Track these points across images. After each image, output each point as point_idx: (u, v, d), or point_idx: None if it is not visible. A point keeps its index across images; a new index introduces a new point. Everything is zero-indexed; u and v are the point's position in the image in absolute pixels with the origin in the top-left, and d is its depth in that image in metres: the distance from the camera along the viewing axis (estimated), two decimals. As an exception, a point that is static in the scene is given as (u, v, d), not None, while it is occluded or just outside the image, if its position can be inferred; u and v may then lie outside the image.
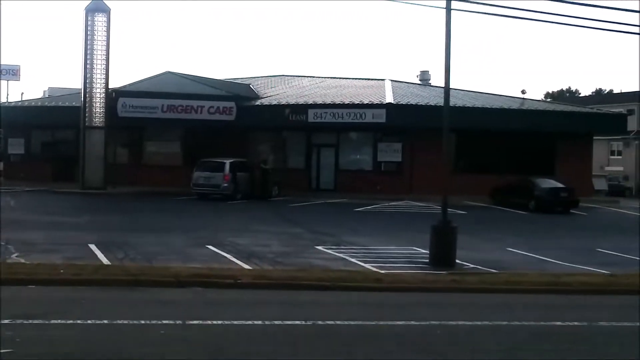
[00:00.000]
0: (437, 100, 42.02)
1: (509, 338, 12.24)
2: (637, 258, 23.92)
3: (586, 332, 13.04)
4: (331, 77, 59.80)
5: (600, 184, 58.98)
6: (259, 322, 12.33)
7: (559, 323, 13.62)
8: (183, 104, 45.43)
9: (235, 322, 12.30)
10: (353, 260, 20.74)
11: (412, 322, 13.09)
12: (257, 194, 40.84)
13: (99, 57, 43.64)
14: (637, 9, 21.02)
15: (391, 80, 55.25)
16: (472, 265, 20.51)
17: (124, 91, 46.79)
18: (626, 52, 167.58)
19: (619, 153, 74.14)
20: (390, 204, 39.87)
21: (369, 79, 57.71)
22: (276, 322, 12.43)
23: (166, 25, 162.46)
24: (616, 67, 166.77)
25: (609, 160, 73.79)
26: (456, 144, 43.19)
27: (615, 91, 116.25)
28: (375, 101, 45.27)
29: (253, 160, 44.12)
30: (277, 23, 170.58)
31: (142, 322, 11.96)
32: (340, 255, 21.63)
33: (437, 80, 65.80)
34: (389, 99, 45.78)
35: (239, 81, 57.77)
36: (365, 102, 45.16)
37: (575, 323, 13.64)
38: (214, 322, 12.23)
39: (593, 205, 44.48)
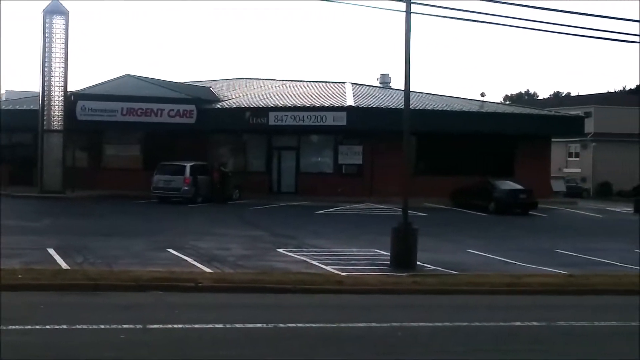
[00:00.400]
0: (398, 103, 42.22)
1: (470, 339, 12.32)
2: (595, 258, 24.24)
3: (545, 332, 13.16)
4: (292, 80, 59.78)
5: (558, 186, 59.60)
6: (220, 326, 12.28)
7: (518, 323, 13.72)
8: (143, 107, 45.11)
9: (196, 326, 12.24)
10: (314, 262, 20.74)
11: (374, 324, 13.11)
12: (218, 197, 40.71)
13: (57, 59, 43.17)
14: (596, 14, 21.19)
15: (352, 83, 55.37)
16: (433, 267, 20.60)
17: (82, 94, 46.35)
18: (584, 55, 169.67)
19: (577, 155, 74.93)
20: (351, 206, 39.97)
21: (329, 82, 57.78)
22: (237, 325, 12.39)
23: (125, 28, 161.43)
24: (574, 70, 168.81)
25: (567, 162, 74.55)
26: (416, 146, 43.45)
27: (572, 94, 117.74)
28: (336, 104, 45.33)
29: (214, 164, 43.98)
30: (238, 25, 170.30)
31: (102, 326, 11.86)
32: (302, 257, 21.62)
33: (398, 83, 66.07)
34: (350, 101, 45.88)
35: (199, 84, 57.48)
36: (326, 105, 45.21)
37: (535, 323, 13.74)
38: (175, 325, 12.16)
39: (551, 207, 44.95)
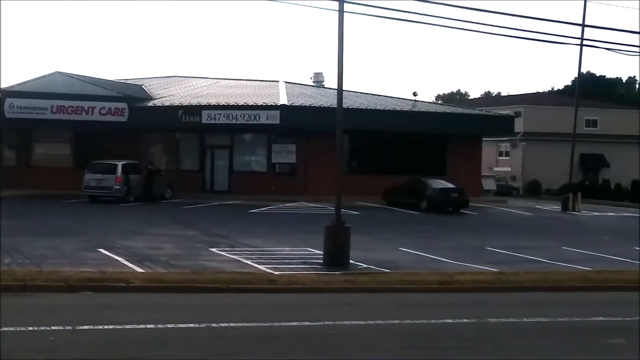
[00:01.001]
0: (331, 102, 42.32)
1: (402, 337, 12.42)
2: (524, 256, 24.66)
3: (476, 329, 13.33)
4: (225, 79, 59.53)
5: (489, 184, 60.44)
6: (152, 326, 12.16)
7: (449, 321, 13.88)
8: (73, 105, 44.40)
9: (127, 327, 12.10)
10: (247, 262, 20.68)
11: (306, 323, 13.13)
12: (150, 196, 40.33)
13: (-16, 56, 42.26)
14: (528, 15, 21.62)
15: (285, 82, 55.38)
16: (366, 265, 20.71)
17: (11, 91, 45.47)
18: (514, 56, 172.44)
19: (507, 154, 76.04)
20: (284, 205, 39.96)
21: (263, 81, 57.71)
22: (169, 326, 12.29)
23: (56, 25, 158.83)
24: (504, 71, 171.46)
25: (497, 161, 75.61)
26: (349, 145, 43.73)
27: (503, 94, 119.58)
28: (270, 103, 45.27)
29: (146, 162, 43.57)
30: (170, 23, 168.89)
31: (30, 328, 11.64)
32: (235, 257, 21.54)
33: (331, 82, 66.29)
34: (283, 100, 45.89)
35: (131, 82, 56.87)
36: (260, 103, 45.11)
37: (465, 320, 13.92)
38: (106, 327, 12.01)
39: (482, 205, 45.62)
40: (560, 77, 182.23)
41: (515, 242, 28.68)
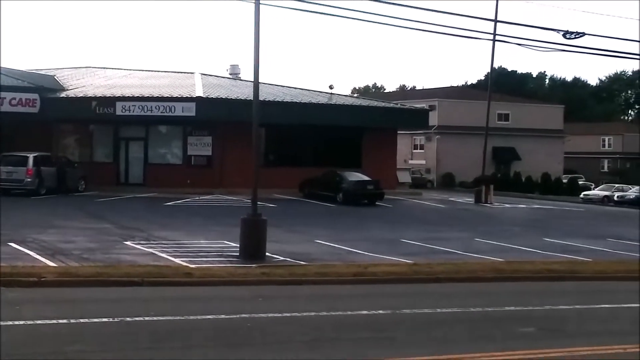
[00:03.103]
0: (247, 94, 42.14)
1: (318, 328, 12.50)
2: (438, 247, 25.06)
3: (390, 319, 13.52)
4: (139, 70, 58.72)
5: (404, 177, 61.20)
6: (64, 321, 11.98)
7: (364, 312, 14.03)
8: (-18, 95, 43.19)
9: (38, 322, 11.89)
10: (163, 255, 20.51)
11: (223, 316, 13.12)
12: (63, 188, 39.58)
13: None
14: (442, 10, 21.97)
15: (201, 74, 54.95)
16: (282, 258, 20.76)
17: None
18: (428, 50, 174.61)
19: (422, 147, 77.07)
20: (200, 197, 39.73)
21: (178, 72, 57.13)
22: (82, 321, 12.13)
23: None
24: (419, 65, 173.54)
25: (412, 153, 76.56)
26: (266, 137, 43.60)
27: (418, 88, 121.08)
28: (185, 94, 44.86)
29: (58, 154, 42.70)
30: (83, 12, 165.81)
31: (-63, 325, 11.33)
32: (150, 250, 21.33)
33: (247, 74, 66.01)
34: (199, 92, 45.53)
35: (42, 72, 55.62)
36: (175, 95, 44.65)
37: (380, 312, 14.09)
38: (15, 322, 11.77)
39: (397, 198, 46.14)
40: (474, 71, 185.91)
41: (429, 234, 29.11)
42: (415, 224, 33.68)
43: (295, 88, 54.92)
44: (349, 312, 14.01)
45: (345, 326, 12.81)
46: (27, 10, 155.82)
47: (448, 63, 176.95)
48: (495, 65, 76.71)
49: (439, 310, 14.61)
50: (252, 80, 21.64)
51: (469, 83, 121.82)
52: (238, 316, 13.11)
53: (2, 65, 48.55)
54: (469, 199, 49.30)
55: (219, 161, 45.18)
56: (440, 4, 26.78)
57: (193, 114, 43.15)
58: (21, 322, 11.80)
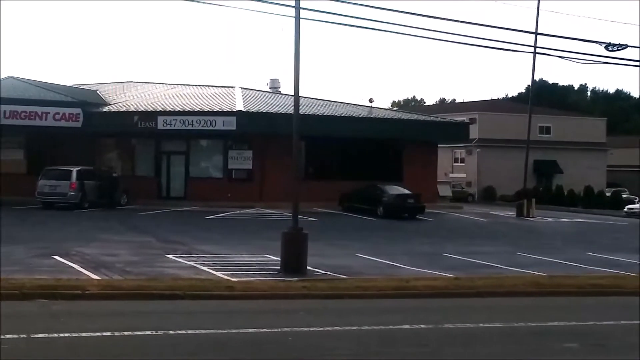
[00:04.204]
0: (287, 108, 42.32)
1: (359, 342, 12.46)
2: (479, 261, 24.88)
3: (433, 334, 13.43)
4: (181, 84, 59.23)
5: (444, 190, 60.92)
6: (108, 334, 12.07)
7: (407, 326, 13.96)
8: (27, 110, 43.80)
9: (82, 334, 11.98)
10: (204, 268, 20.59)
11: (264, 330, 13.12)
12: (106, 202, 39.99)
13: None
14: (483, 23, 21.90)
15: (241, 88, 55.25)
16: (323, 272, 20.73)
17: (-38, 96, 44.75)
18: (469, 64, 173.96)
19: (462, 160, 76.68)
20: (241, 211, 39.86)
21: (219, 87, 57.50)
22: (125, 333, 12.20)
23: (9, 28, 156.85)
24: (459, 78, 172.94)
25: (452, 167, 76.23)
26: (306, 151, 43.70)
27: (457, 101, 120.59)
28: (226, 108, 45.11)
29: (101, 168, 43.18)
30: (126, 28, 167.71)
31: (-16, 337, 11.48)
32: (192, 263, 21.44)
33: (287, 88, 66.28)
34: (240, 106, 45.75)
35: (85, 87, 56.32)
36: (216, 109, 44.93)
37: (422, 326, 14.01)
38: (61, 334, 11.88)
39: (438, 211, 45.94)
40: (514, 84, 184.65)
41: (471, 248, 28.92)
42: (456, 238, 33.48)
43: (335, 101, 54.98)
44: (391, 327, 13.94)
45: (388, 341, 12.75)
46: (71, 27, 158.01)
47: (488, 76, 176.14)
48: (536, 78, 76.28)
49: (481, 325, 14.49)
50: (292, 94, 21.71)
51: (509, 96, 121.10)
52: (280, 330, 13.11)
53: (46, 81, 49.30)
54: (511, 213, 48.93)
55: (260, 175, 45.33)
56: (480, 17, 26.65)
57: (234, 127, 43.38)
58: (66, 335, 11.90)
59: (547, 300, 18.31)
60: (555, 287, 19.77)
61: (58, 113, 44.15)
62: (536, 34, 32.13)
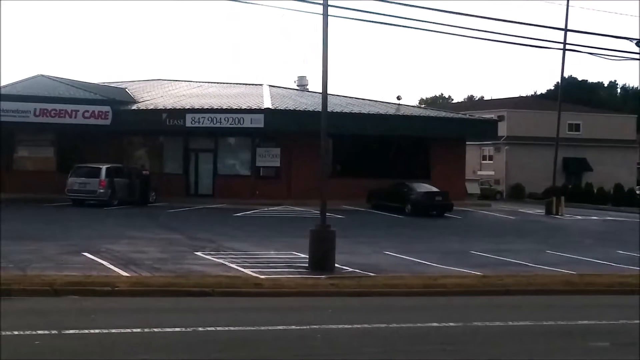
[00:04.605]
0: (315, 105, 42.40)
1: (387, 340, 12.44)
2: (508, 259, 24.77)
3: (461, 332, 13.38)
4: (208, 82, 59.43)
5: (472, 188, 60.63)
6: (138, 330, 12.14)
7: (435, 324, 13.92)
8: (56, 108, 44.22)
9: (113, 331, 12.06)
10: (233, 265, 20.68)
11: (293, 327, 13.14)
12: (135, 200, 40.24)
13: (-34, 59, 42.05)
14: (510, 19, 21.74)
15: (269, 85, 55.34)
16: (351, 269, 20.75)
17: (-7, 94, 45.21)
18: (496, 60, 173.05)
19: (490, 158, 76.25)
20: (269, 208, 39.96)
21: (246, 84, 57.62)
22: (155, 330, 12.26)
23: (39, 27, 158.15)
24: (487, 75, 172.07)
25: (480, 164, 75.85)
26: (334, 148, 43.65)
27: (486, 98, 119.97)
28: (254, 106, 45.24)
29: (130, 166, 43.45)
30: (153, 26, 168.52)
31: (16, 332, 11.57)
32: (220, 260, 21.53)
33: (315, 85, 66.38)
34: (267, 104, 45.85)
35: (114, 85, 56.71)
36: (244, 107, 45.07)
37: (451, 324, 13.96)
38: (91, 331, 11.97)
39: (466, 209, 45.76)
40: (543, 81, 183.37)
41: (499, 246, 28.82)
42: (484, 236, 33.36)
43: (362, 99, 54.93)
44: (419, 324, 13.91)
45: (416, 338, 12.72)
46: (101, 25, 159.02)
47: (517, 73, 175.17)
48: (566, 75, 75.83)
49: (510, 323, 14.41)
50: (320, 91, 21.74)
51: (538, 93, 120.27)
52: (308, 327, 13.12)
53: (75, 79, 49.69)
54: (540, 211, 48.65)
55: (287, 172, 45.42)
56: (509, 13, 26.52)
57: (261, 125, 43.50)
58: (96, 331, 11.99)
59: (577, 299, 18.18)
60: (585, 286, 19.64)
61: (87, 111, 44.52)
62: (566, 30, 32.02)
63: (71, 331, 11.83)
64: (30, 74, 60.29)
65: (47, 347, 10.85)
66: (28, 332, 11.57)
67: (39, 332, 11.61)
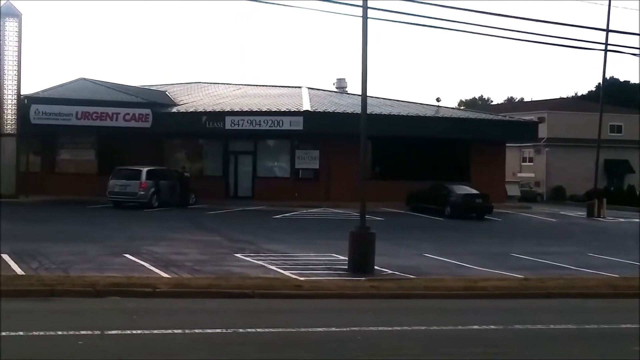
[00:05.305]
0: (354, 107, 42.41)
1: (428, 343, 12.40)
2: (549, 262, 24.53)
3: (502, 335, 13.29)
4: (248, 85, 59.73)
5: (512, 190, 60.26)
6: (179, 331, 12.22)
7: (475, 327, 13.84)
8: (98, 111, 44.74)
9: (155, 332, 12.16)
10: (272, 267, 20.71)
11: (333, 329, 13.14)
12: (175, 201, 40.52)
13: (10, 62, 42.63)
14: (551, 20, 21.64)
15: (308, 88, 55.46)
16: (390, 271, 20.68)
17: (36, 98, 45.85)
18: (536, 61, 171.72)
19: (531, 160, 75.74)
20: (308, 210, 39.99)
21: (286, 87, 57.81)
22: (196, 331, 12.34)
23: (80, 31, 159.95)
24: (526, 76, 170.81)
25: (520, 166, 75.36)
26: (373, 150, 43.66)
27: (525, 99, 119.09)
28: (293, 108, 45.36)
29: (170, 168, 43.77)
30: (193, 29, 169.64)
31: (59, 333, 11.72)
32: (260, 262, 21.58)
33: (354, 87, 66.37)
34: (306, 106, 45.95)
35: (154, 88, 57.19)
36: (283, 109, 45.20)
37: (492, 327, 13.88)
38: (133, 331, 12.07)
39: (506, 211, 45.47)
40: (584, 82, 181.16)
41: (540, 248, 28.55)
42: (525, 238, 33.07)
43: (402, 101, 54.85)
44: (460, 327, 13.84)
45: (457, 341, 12.66)
46: (141, 28, 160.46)
47: (557, 74, 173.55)
48: (607, 76, 74.91)
49: (552, 326, 14.29)
50: (359, 93, 21.69)
51: (579, 94, 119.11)
52: (348, 329, 13.11)
53: (116, 82, 50.20)
54: (581, 213, 48.18)
55: (326, 174, 45.46)
56: (550, 14, 26.33)
57: (300, 127, 43.61)
58: (138, 332, 12.09)
59: (620, 302, 17.94)
60: (628, 289, 19.36)
61: (128, 114, 44.97)
62: (607, 30, 31.68)
63: (113, 332, 11.94)
64: (72, 77, 61.03)
65: (90, 347, 10.97)
66: (71, 333, 11.70)
67: (82, 332, 11.74)
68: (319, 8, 30.92)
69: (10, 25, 42.55)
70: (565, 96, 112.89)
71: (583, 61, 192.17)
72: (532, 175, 73.86)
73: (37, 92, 47.65)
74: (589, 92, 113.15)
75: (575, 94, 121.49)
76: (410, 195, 43.67)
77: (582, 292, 18.76)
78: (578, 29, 23.78)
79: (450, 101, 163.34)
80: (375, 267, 20.51)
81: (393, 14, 21.23)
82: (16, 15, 42.73)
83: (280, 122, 43.97)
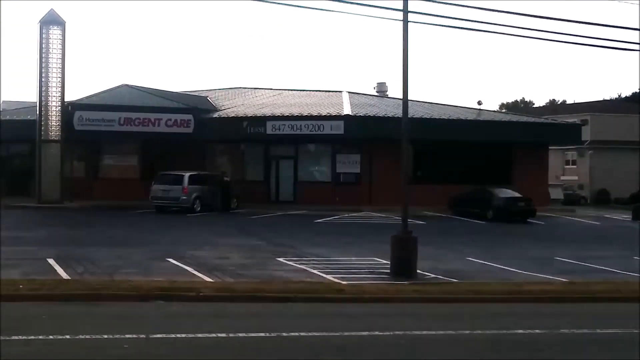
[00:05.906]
0: (395, 111, 42.29)
1: (472, 347, 12.32)
2: (595, 266, 24.25)
3: (548, 339, 13.16)
4: (289, 90, 59.79)
5: (556, 193, 59.64)
6: (223, 335, 12.27)
7: (520, 331, 13.72)
8: (140, 117, 45.15)
9: (199, 335, 12.23)
10: (315, 271, 20.72)
11: (377, 333, 13.10)
12: (217, 206, 40.71)
13: (54, 70, 43.18)
14: (592, 22, 21.35)
15: (349, 92, 55.38)
16: (433, 275, 20.59)
17: (80, 104, 46.35)
18: (579, 63, 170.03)
19: (574, 163, 74.97)
20: (349, 215, 39.96)
21: (326, 91, 57.73)
22: (240, 335, 12.38)
23: (123, 38, 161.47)
24: (569, 78, 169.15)
25: (564, 169, 74.61)
26: (414, 154, 43.44)
27: (568, 102, 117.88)
28: (334, 113, 45.36)
29: (212, 173, 43.97)
30: (234, 35, 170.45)
31: (105, 336, 11.84)
32: (302, 266, 21.60)
33: (394, 91, 66.10)
34: (347, 110, 45.92)
35: (196, 93, 57.54)
36: (324, 114, 45.21)
37: (537, 331, 13.75)
38: (178, 335, 12.15)
39: (550, 215, 45.00)
40: (628, 83, 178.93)
41: (585, 252, 28.22)
42: (569, 242, 32.72)
43: (443, 104, 54.59)
44: (505, 331, 13.73)
45: (502, 346, 12.56)
46: (182, 34, 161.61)
47: (600, 75, 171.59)
48: (651, 77, 73.97)
49: (598, 330, 14.12)
50: (400, 97, 21.64)
51: (622, 96, 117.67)
52: (392, 333, 13.07)
53: (158, 88, 50.62)
54: (626, 216, 47.53)
55: (367, 178, 45.37)
56: (592, 15, 26.02)
57: (341, 132, 43.59)
58: (183, 335, 12.16)
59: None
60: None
61: (170, 119, 45.32)
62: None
63: (159, 335, 12.03)
64: (115, 83, 61.58)
65: (136, 350, 11.06)
66: (117, 336, 11.81)
67: (127, 336, 11.85)
68: (360, 12, 31.20)
69: (54, 33, 43.11)
70: (608, 98, 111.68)
71: (627, 62, 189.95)
72: (576, 178, 73.10)
73: (81, 99, 48.17)
74: (632, 93, 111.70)
75: (619, 95, 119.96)
76: (452, 199, 43.43)
77: (629, 296, 18.48)
78: (621, 30, 23.46)
79: (491, 104, 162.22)
80: (418, 271, 20.43)
81: (433, 17, 21.09)
82: (60, 23, 43.28)
83: (321, 126, 43.99)
